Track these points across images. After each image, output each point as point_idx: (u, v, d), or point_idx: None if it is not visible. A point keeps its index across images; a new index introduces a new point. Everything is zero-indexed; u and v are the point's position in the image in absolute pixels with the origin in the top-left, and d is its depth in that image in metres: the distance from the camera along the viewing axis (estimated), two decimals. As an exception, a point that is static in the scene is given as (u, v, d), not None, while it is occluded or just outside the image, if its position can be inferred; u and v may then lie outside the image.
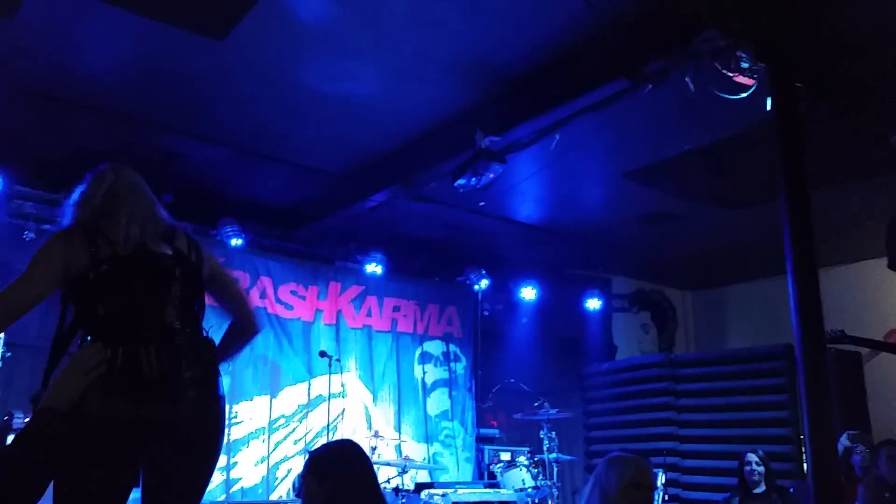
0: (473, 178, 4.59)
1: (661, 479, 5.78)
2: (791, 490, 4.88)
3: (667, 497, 5.82)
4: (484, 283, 7.20)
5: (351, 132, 5.14)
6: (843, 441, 4.82)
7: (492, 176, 4.51)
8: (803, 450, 5.25)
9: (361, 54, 4.13)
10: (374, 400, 6.79)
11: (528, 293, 7.48)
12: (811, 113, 3.58)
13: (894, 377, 6.59)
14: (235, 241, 6.02)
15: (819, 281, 2.83)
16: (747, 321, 7.91)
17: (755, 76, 3.20)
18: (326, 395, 6.10)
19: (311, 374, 6.48)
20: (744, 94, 3.33)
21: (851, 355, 6.03)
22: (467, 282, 7.22)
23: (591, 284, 8.03)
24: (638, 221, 6.68)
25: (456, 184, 4.63)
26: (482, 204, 5.07)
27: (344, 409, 6.58)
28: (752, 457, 4.78)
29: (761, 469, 4.73)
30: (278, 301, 6.45)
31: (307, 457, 2.29)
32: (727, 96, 3.32)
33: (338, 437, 6.47)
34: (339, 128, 5.07)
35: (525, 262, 7.66)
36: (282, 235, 6.55)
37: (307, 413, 6.42)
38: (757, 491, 4.71)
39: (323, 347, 6.29)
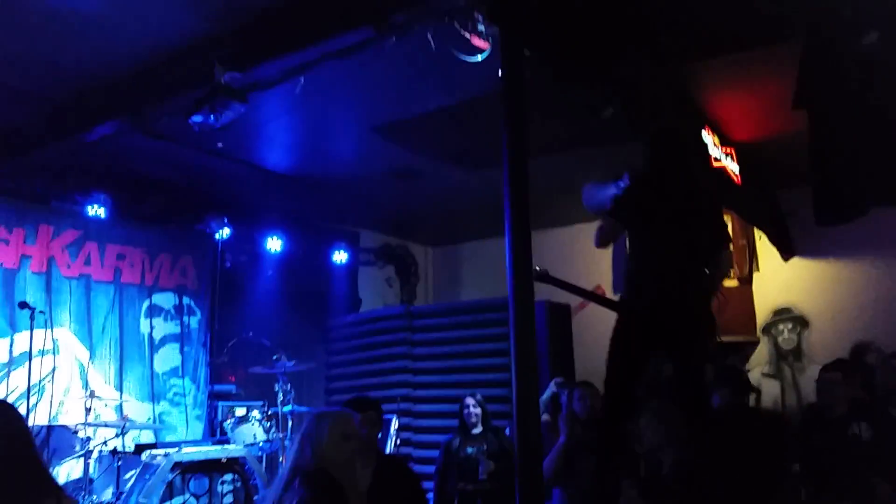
0: (211, 116, 4.26)
1: (394, 424, 6.02)
2: (507, 430, 5.36)
3: (399, 441, 6.10)
4: (226, 231, 6.81)
5: (69, 52, 4.47)
6: (552, 387, 5.36)
7: (231, 115, 4.22)
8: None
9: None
10: (92, 357, 6.16)
11: (274, 244, 7.27)
12: (538, 81, 3.84)
13: (596, 328, 7.54)
14: (-87, 171, 5.03)
15: (532, 241, 3.07)
16: (480, 276, 8.52)
17: (490, 40, 3.33)
18: (34, 351, 5.41)
19: (14, 328, 5.69)
20: (479, 58, 3.46)
21: (562, 308, 6.76)
22: (207, 230, 6.77)
23: (339, 237, 8.05)
24: (387, 176, 6.77)
25: (191, 120, 4.25)
26: (220, 145, 4.73)
27: (55, 368, 5.88)
28: (470, 400, 5.16)
29: (478, 411, 5.12)
30: (-29, 244, 5.53)
31: None
32: (464, 57, 3.43)
33: (47, 397, 5.80)
34: (54, 46, 4.39)
35: (272, 211, 7.41)
36: (-22, 168, 5.57)
37: (9, 372, 5.66)
38: (475, 432, 5.11)
39: (29, 298, 5.53)
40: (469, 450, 4.99)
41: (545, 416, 4.99)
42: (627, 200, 3.48)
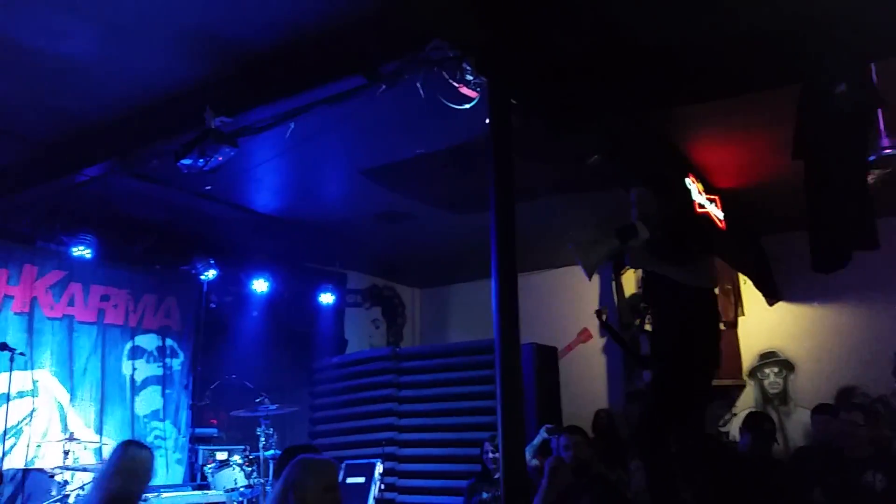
0: (201, 160, 4.28)
1: (378, 468, 5.93)
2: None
3: (383, 486, 6.00)
4: (212, 273, 6.77)
5: (60, 95, 4.52)
6: (542, 433, 5.35)
7: (221, 159, 4.24)
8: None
9: (77, 9, 3.64)
10: (73, 399, 6.06)
11: (261, 285, 7.23)
12: (526, 129, 3.91)
13: (582, 371, 7.56)
14: None
15: (518, 284, 3.09)
16: (467, 318, 8.51)
17: (478, 89, 3.40)
18: (13, 393, 5.33)
19: (-7, 369, 5.59)
20: (468, 106, 3.53)
21: (549, 350, 6.76)
22: (193, 271, 6.72)
23: (326, 279, 8.03)
24: (374, 219, 6.80)
25: (180, 163, 4.27)
26: (208, 188, 4.75)
27: (34, 410, 5.78)
28: (489, 445, 5.10)
29: (497, 456, 5.06)
30: (-47, 284, 5.47)
31: None
32: (453, 105, 3.50)
33: (24, 439, 5.68)
34: (47, 89, 4.43)
35: (259, 252, 7.39)
36: (-37, 207, 5.55)
37: (-14, 414, 5.53)
38: (497, 476, 5.04)
39: (9, 339, 5.45)
40: (485, 494, 4.95)
41: (535, 462, 4.95)
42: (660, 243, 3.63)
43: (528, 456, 4.96)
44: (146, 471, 3.17)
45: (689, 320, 3.64)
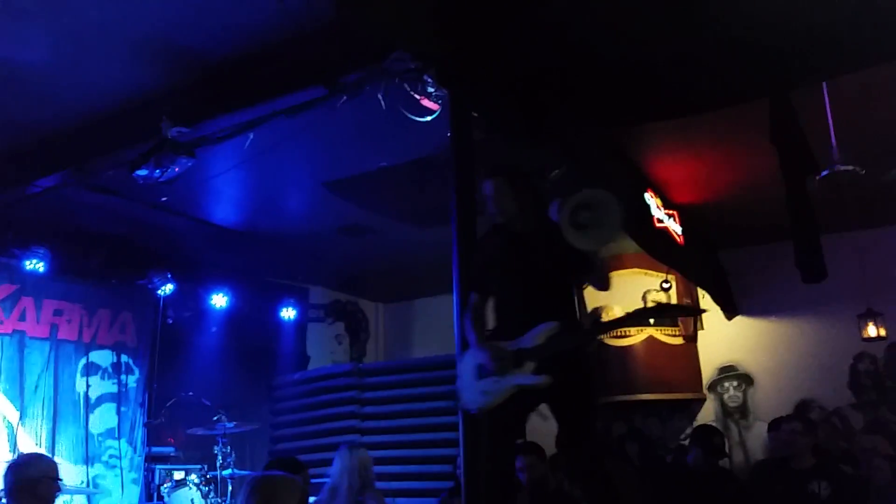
0: (157, 170, 4.21)
1: (341, 487, 5.83)
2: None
3: (345, 505, 5.89)
4: (169, 287, 6.62)
5: (11, 104, 4.40)
6: None
7: (177, 169, 4.17)
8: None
9: (31, 16, 3.56)
10: (23, 418, 5.84)
11: (220, 300, 7.10)
12: (488, 142, 3.91)
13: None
14: None
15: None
16: (431, 333, 8.44)
17: (440, 102, 3.40)
18: (-44, 413, 5.12)
19: (-64, 388, 5.38)
20: (429, 118, 3.52)
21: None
22: (149, 286, 6.57)
23: (287, 293, 7.92)
24: (337, 232, 6.74)
25: (135, 174, 4.19)
26: (164, 199, 4.67)
27: (-19, 430, 5.56)
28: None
29: None
30: None
31: None
32: (414, 118, 3.49)
33: (-31, 462, 5.44)
34: (-1, 97, 4.32)
35: (218, 267, 7.27)
36: None
37: (-71, 436, 5.31)
38: None
39: (-45, 356, 5.26)
40: None
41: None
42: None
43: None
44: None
45: None
